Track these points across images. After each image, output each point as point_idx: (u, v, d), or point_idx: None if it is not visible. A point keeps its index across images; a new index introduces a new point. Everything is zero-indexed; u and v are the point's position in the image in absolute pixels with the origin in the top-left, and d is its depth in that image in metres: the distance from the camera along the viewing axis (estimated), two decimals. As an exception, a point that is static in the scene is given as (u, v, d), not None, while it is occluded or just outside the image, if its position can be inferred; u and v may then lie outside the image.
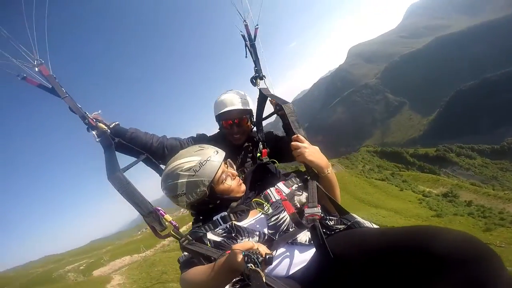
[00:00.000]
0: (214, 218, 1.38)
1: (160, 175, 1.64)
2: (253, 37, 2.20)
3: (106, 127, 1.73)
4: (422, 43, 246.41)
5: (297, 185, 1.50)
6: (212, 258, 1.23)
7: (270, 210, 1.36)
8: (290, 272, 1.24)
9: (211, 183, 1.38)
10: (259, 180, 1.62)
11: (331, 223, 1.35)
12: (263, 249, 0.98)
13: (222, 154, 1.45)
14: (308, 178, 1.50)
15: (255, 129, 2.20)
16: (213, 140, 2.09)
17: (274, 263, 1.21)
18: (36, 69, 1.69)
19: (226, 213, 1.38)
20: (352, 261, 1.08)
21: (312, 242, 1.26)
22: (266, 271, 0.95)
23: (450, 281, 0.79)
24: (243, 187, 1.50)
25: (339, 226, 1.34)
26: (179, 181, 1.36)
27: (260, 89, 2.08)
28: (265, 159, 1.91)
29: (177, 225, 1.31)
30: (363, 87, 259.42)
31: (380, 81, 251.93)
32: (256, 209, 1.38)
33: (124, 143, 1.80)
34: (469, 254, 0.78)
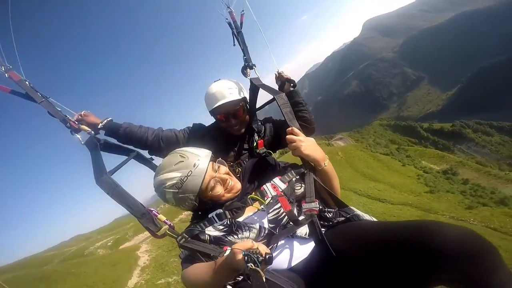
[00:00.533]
0: (210, 215, 1.37)
1: (154, 171, 1.60)
2: (239, 24, 2.11)
3: (89, 129, 1.68)
4: (444, 17, 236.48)
5: (294, 179, 1.45)
6: (211, 255, 1.23)
7: (266, 206, 1.35)
8: (291, 265, 1.25)
9: (197, 195, 1.35)
10: (258, 173, 1.56)
11: (330, 215, 1.34)
12: (263, 249, 0.98)
13: (205, 160, 1.36)
14: (305, 171, 1.44)
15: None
16: (211, 131, 2.03)
17: (274, 256, 1.21)
18: (6, 75, 1.59)
19: (221, 210, 1.36)
20: (352, 255, 1.08)
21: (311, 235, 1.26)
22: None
23: (449, 275, 0.80)
24: (238, 185, 1.46)
25: (338, 219, 1.34)
26: (166, 196, 1.35)
27: (250, 79, 1.97)
28: (261, 150, 1.87)
29: (172, 224, 1.30)
30: (380, 60, 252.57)
31: (398, 55, 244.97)
32: (252, 205, 1.36)
33: (111, 143, 1.74)
34: (468, 249, 0.78)
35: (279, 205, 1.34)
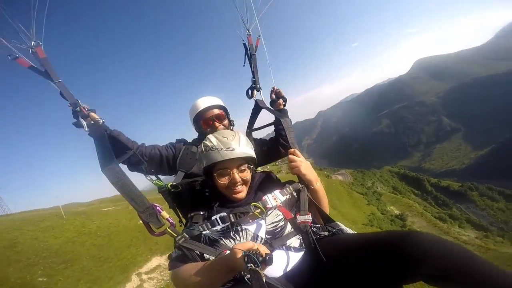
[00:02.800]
0: (213, 218, 1.38)
1: (145, 174, 1.81)
2: (254, 48, 2.21)
3: (98, 117, 1.62)
4: (506, 67, 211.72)
5: (291, 194, 1.55)
6: (207, 257, 1.26)
7: (267, 214, 1.40)
8: (285, 272, 1.28)
9: (207, 168, 1.47)
10: (263, 185, 1.65)
11: (315, 229, 1.43)
12: (263, 249, 0.98)
13: (236, 153, 1.43)
14: (301, 188, 1.57)
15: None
16: (195, 144, 2.04)
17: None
18: (30, 50, 1.55)
19: (225, 213, 1.38)
20: (338, 262, 1.16)
21: (302, 245, 1.34)
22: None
23: (422, 273, 0.93)
24: (242, 195, 1.49)
25: (323, 233, 1.43)
26: (199, 148, 1.55)
27: (256, 100, 2.13)
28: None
29: (174, 222, 1.30)
30: (418, 104, 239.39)
31: (440, 101, 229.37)
32: (254, 212, 1.38)
33: (114, 137, 1.71)
34: (433, 251, 0.92)
35: (279, 218, 1.41)
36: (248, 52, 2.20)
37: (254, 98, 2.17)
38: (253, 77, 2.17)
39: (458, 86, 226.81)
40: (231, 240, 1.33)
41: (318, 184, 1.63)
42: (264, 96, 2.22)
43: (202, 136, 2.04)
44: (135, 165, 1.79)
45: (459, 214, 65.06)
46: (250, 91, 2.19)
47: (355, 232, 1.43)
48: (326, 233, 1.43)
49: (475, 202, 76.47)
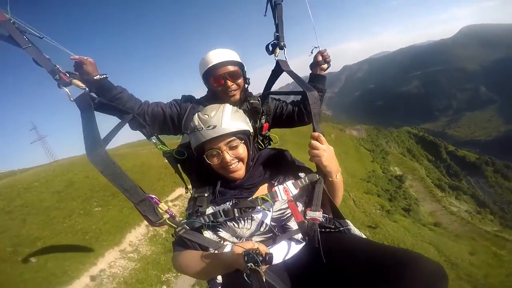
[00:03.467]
0: (215, 210, 1.32)
1: (148, 138, 1.65)
2: None
3: (83, 85, 1.41)
4: None
5: (305, 186, 1.42)
6: (209, 248, 1.24)
7: (275, 209, 1.34)
8: (282, 261, 1.30)
9: (195, 150, 1.39)
10: (272, 165, 1.51)
11: (322, 220, 1.36)
12: (263, 249, 0.98)
13: (215, 131, 1.30)
14: (318, 179, 1.42)
15: (255, 99, 1.91)
16: (202, 103, 1.83)
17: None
18: None
19: (229, 207, 1.31)
20: (339, 266, 1.13)
21: (306, 239, 1.30)
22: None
23: None
24: (240, 172, 1.40)
25: (329, 226, 1.38)
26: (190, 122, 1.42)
27: (278, 61, 1.81)
28: (266, 133, 1.92)
29: (173, 213, 1.24)
30: (458, 70, 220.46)
31: (482, 70, 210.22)
32: (261, 205, 1.31)
33: (107, 103, 1.51)
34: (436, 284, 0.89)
35: (286, 206, 1.35)
36: None
37: (276, 58, 1.83)
38: (277, 31, 1.84)
39: (507, 57, 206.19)
40: (234, 223, 1.30)
41: (337, 176, 1.46)
42: (288, 56, 1.87)
43: (211, 94, 1.89)
44: (136, 128, 1.66)
45: (466, 187, 62.86)
46: (271, 47, 1.86)
47: (363, 236, 1.39)
48: (333, 227, 1.38)
49: (487, 177, 73.82)
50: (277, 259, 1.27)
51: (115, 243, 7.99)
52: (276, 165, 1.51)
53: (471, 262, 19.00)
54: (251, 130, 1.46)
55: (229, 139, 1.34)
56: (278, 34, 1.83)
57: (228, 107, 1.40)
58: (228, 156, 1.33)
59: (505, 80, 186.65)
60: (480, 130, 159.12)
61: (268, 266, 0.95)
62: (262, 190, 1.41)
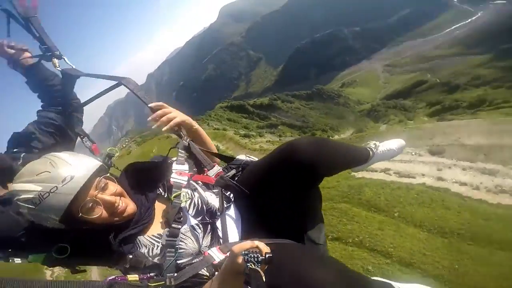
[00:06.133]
0: (156, 252, 1.12)
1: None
2: (32, 10, 1.53)
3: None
4: (281, 3, 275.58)
5: (185, 157, 1.35)
6: (203, 273, 1.13)
7: (188, 203, 1.22)
8: (239, 233, 1.27)
9: (63, 217, 1.02)
10: (146, 178, 1.31)
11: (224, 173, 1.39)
12: (263, 247, 0.94)
13: (83, 176, 1.02)
14: (188, 142, 1.36)
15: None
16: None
17: (223, 235, 1.22)
18: None
19: (161, 234, 1.14)
20: (256, 188, 1.25)
21: (229, 199, 1.33)
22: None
23: (319, 172, 1.15)
24: (131, 207, 1.16)
25: (231, 173, 1.42)
26: (20, 210, 1.01)
27: (63, 72, 1.55)
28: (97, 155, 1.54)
29: (148, 275, 1.04)
30: (230, 45, 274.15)
31: (244, 39, 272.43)
32: (183, 201, 1.19)
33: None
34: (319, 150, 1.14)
35: (193, 187, 1.30)
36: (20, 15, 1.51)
37: (58, 69, 1.57)
38: (42, 44, 1.55)
39: (253, 26, 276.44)
40: (181, 245, 1.13)
41: (196, 123, 1.48)
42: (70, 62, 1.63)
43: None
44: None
45: (276, 120, 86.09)
46: (48, 60, 1.58)
47: (257, 159, 1.50)
48: (234, 171, 1.42)
49: (282, 108, 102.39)
50: (234, 235, 1.23)
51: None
52: (152, 174, 1.32)
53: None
54: (101, 163, 1.17)
55: (95, 182, 1.08)
56: (47, 46, 1.53)
57: (57, 153, 1.09)
58: (108, 198, 1.08)
59: (260, 42, 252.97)
60: (265, 80, 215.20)
61: (268, 265, 0.90)
62: (160, 204, 1.24)
